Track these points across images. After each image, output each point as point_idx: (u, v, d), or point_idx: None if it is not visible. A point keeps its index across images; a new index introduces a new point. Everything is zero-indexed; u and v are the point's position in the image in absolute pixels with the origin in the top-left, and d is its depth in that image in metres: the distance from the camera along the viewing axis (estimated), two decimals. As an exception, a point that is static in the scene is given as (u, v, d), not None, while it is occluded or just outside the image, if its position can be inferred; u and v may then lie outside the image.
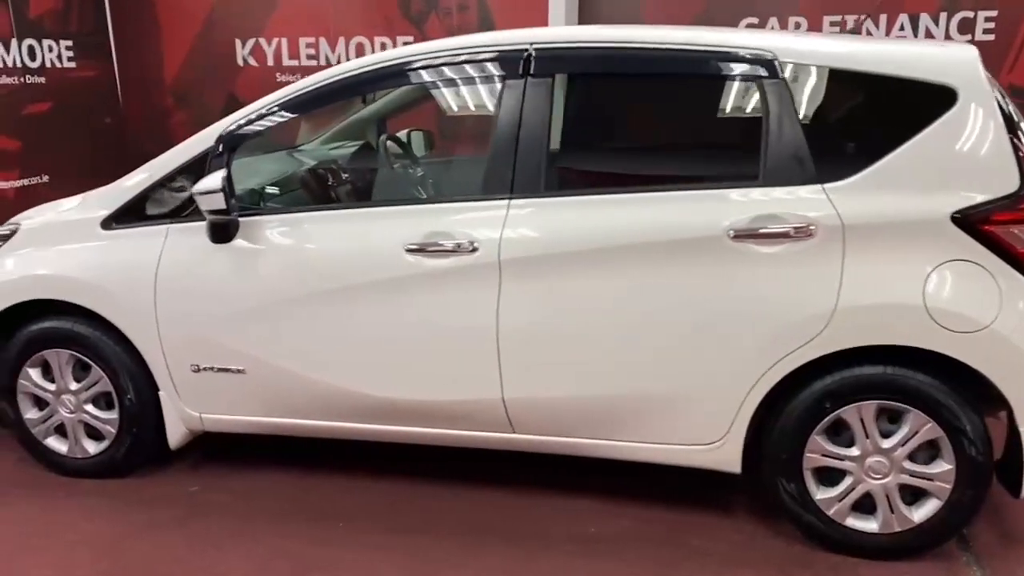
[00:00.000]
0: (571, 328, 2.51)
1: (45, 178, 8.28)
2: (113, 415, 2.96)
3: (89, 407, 2.99)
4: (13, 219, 3.14)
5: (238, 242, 2.73)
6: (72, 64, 8.55)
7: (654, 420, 2.54)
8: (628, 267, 2.43)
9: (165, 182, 2.84)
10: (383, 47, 8.51)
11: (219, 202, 2.56)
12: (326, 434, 2.86)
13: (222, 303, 2.75)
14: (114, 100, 9.14)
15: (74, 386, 2.98)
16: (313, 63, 8.73)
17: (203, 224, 2.75)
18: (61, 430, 3.07)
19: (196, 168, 2.79)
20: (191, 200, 2.82)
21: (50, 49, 8.29)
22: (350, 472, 3.06)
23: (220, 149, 2.76)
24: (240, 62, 9.00)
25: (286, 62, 8.76)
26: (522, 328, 2.54)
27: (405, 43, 8.53)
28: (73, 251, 2.89)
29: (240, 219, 2.71)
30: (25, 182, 8.06)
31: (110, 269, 2.84)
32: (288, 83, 2.78)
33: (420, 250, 2.57)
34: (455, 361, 2.62)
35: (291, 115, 2.83)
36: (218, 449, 3.19)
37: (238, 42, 8.94)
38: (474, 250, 2.52)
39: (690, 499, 2.83)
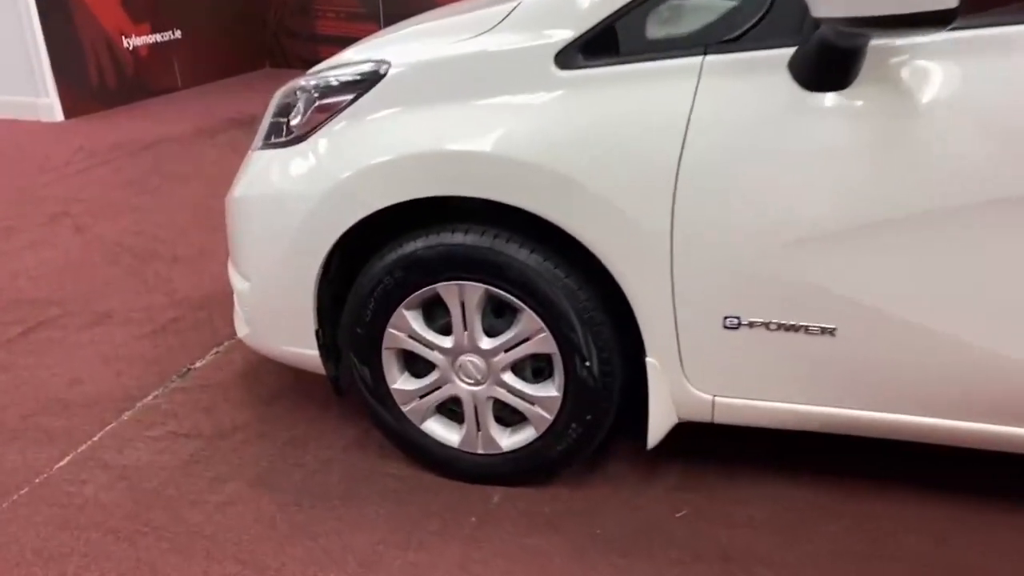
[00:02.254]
0: None
1: (177, 33, 6.97)
2: (550, 391, 1.76)
3: (508, 376, 1.79)
4: (363, 48, 1.83)
5: (861, 88, 1.41)
6: None
7: None
8: None
9: (691, -24, 1.51)
10: None
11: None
12: (982, 444, 1.61)
13: (816, 206, 1.46)
14: (246, -62, 7.66)
15: (487, 343, 1.77)
16: None
17: (781, 54, 1.44)
18: (446, 409, 1.90)
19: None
20: (737, 14, 1.50)
21: None
22: (907, 492, 1.84)
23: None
24: None
25: None
26: None
27: None
28: (502, 109, 1.61)
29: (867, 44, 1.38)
30: (158, 38, 6.78)
31: (580, 142, 1.55)
32: None
33: None
34: None
35: None
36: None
37: None
38: None
39: None
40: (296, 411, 2.21)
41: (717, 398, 1.69)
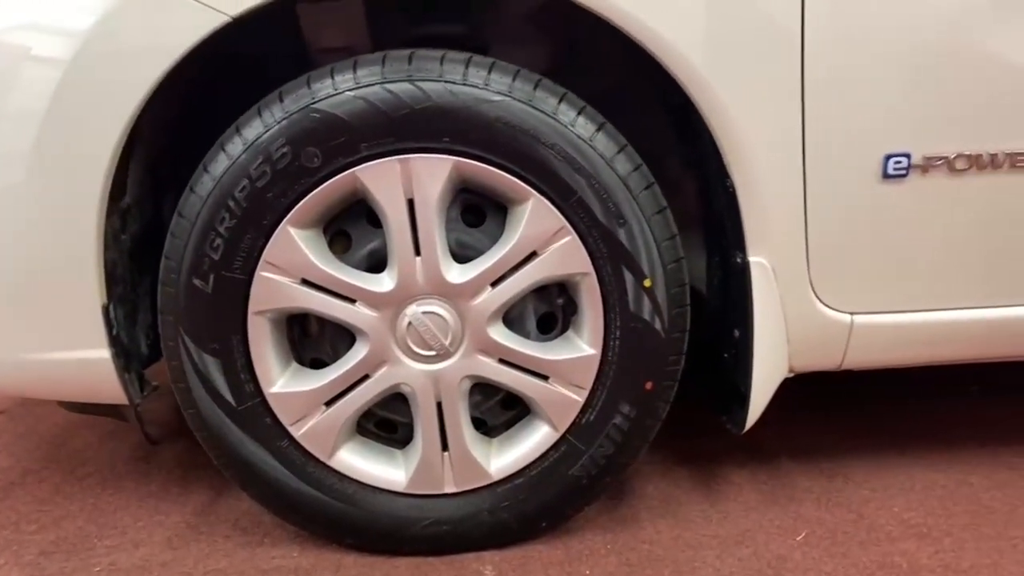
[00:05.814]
0: None
1: None
2: (578, 348, 0.97)
3: (497, 331, 0.97)
4: None
5: None
6: None
7: None
8: None
9: None
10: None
11: None
12: None
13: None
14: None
15: (459, 272, 0.95)
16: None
17: None
18: (369, 428, 1.04)
19: None
20: None
21: None
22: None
23: None
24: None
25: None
26: None
27: None
28: None
29: None
30: None
31: None
32: None
33: None
34: None
35: None
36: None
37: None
38: None
39: None
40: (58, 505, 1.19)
41: (857, 318, 1.02)
